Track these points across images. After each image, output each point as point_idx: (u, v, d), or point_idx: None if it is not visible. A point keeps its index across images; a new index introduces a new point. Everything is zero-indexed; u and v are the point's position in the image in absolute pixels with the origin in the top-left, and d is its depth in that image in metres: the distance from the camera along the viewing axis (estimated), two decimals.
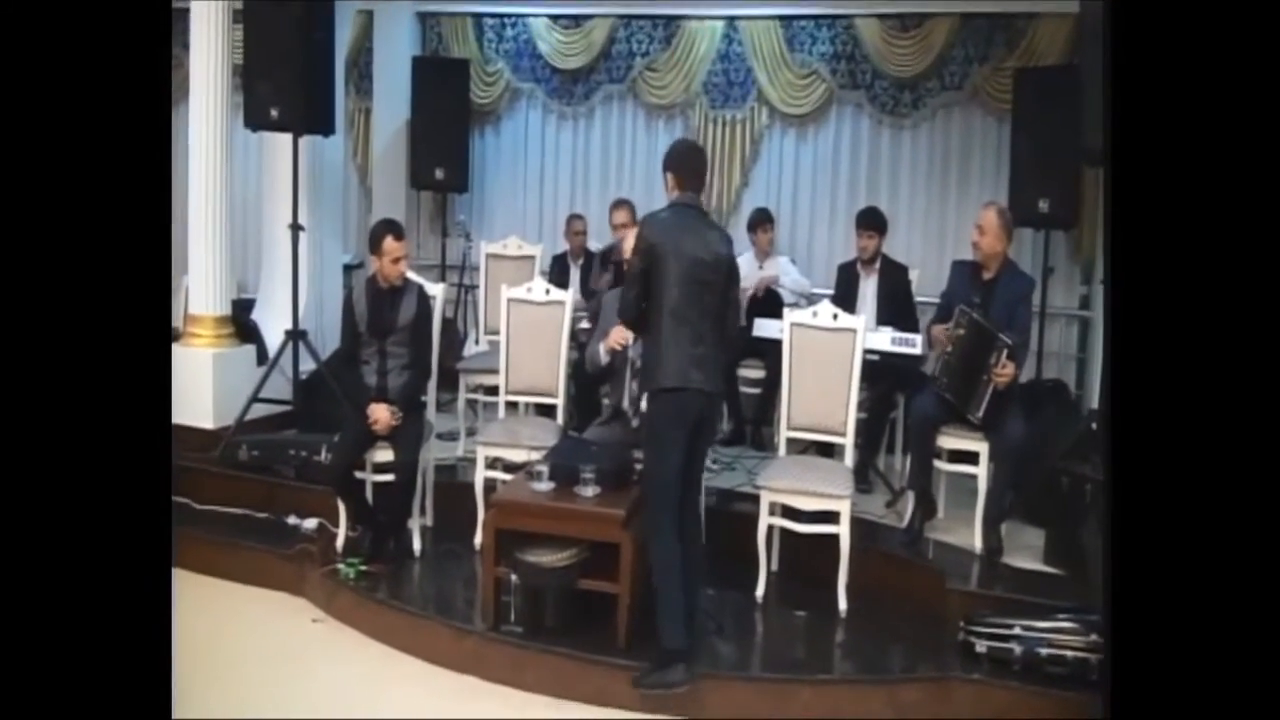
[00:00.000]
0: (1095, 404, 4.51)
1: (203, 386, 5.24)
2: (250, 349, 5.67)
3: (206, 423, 5.26)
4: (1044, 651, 3.56)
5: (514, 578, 3.87)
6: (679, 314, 3.62)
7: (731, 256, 3.80)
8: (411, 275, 4.66)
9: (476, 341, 6.15)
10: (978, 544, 4.39)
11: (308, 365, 5.58)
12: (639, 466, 4.05)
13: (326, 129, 5.48)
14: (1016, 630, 3.62)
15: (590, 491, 3.90)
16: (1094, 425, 4.37)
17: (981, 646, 3.67)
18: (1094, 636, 3.49)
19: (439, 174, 6.81)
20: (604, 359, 4.44)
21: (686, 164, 3.79)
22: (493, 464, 4.68)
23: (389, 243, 4.49)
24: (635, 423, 4.38)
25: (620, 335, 4.33)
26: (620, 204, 5.99)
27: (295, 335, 5.47)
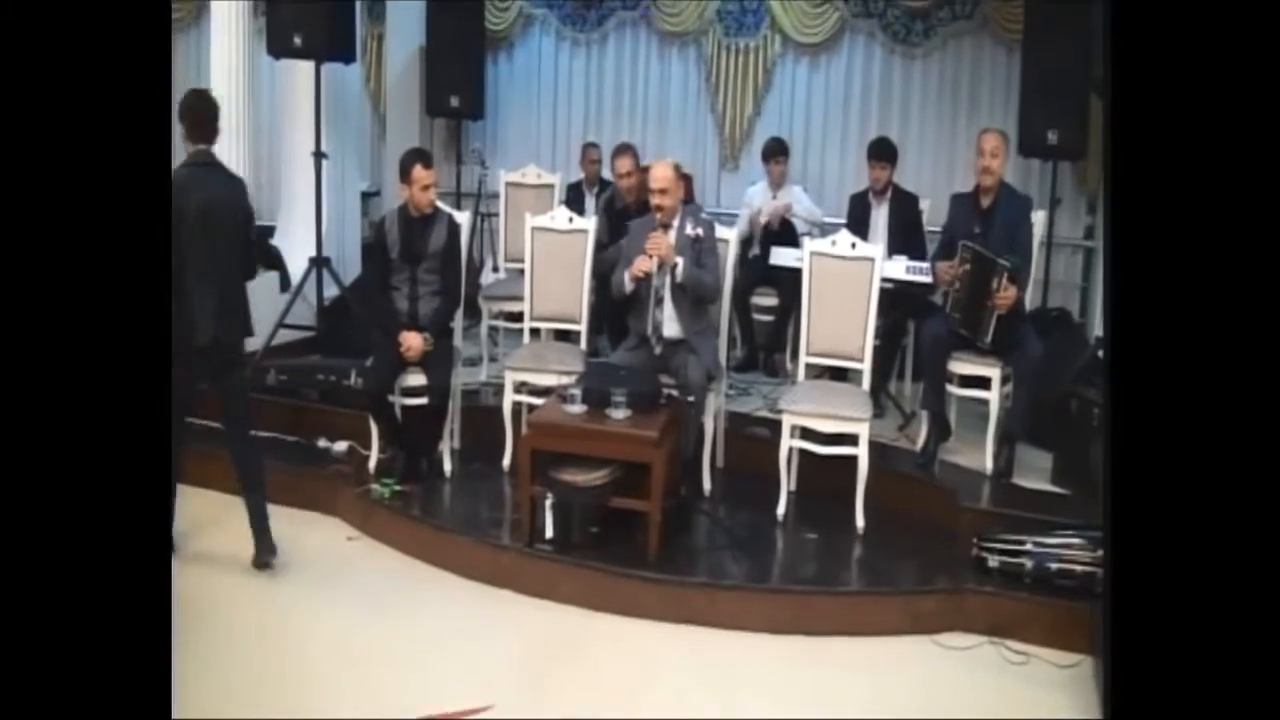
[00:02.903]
0: (1100, 331, 4.65)
1: None
2: (273, 275, 5.74)
3: None
4: (1054, 566, 3.76)
5: (549, 496, 4.05)
6: (198, 271, 3.81)
7: (244, 202, 4.01)
8: (440, 204, 4.76)
9: (495, 269, 6.24)
10: (988, 465, 4.55)
11: (329, 291, 5.67)
12: (666, 391, 4.24)
13: (348, 56, 5.50)
14: (1028, 546, 3.82)
15: (621, 414, 4.06)
16: (1100, 353, 4.53)
17: (994, 561, 3.87)
18: (1100, 552, 3.70)
19: (454, 101, 6.80)
20: (629, 287, 4.56)
21: (188, 115, 3.86)
22: (519, 388, 4.82)
23: (418, 171, 4.57)
24: (658, 349, 4.53)
25: (644, 263, 4.45)
26: (624, 150, 5.74)
27: (320, 262, 5.55)
